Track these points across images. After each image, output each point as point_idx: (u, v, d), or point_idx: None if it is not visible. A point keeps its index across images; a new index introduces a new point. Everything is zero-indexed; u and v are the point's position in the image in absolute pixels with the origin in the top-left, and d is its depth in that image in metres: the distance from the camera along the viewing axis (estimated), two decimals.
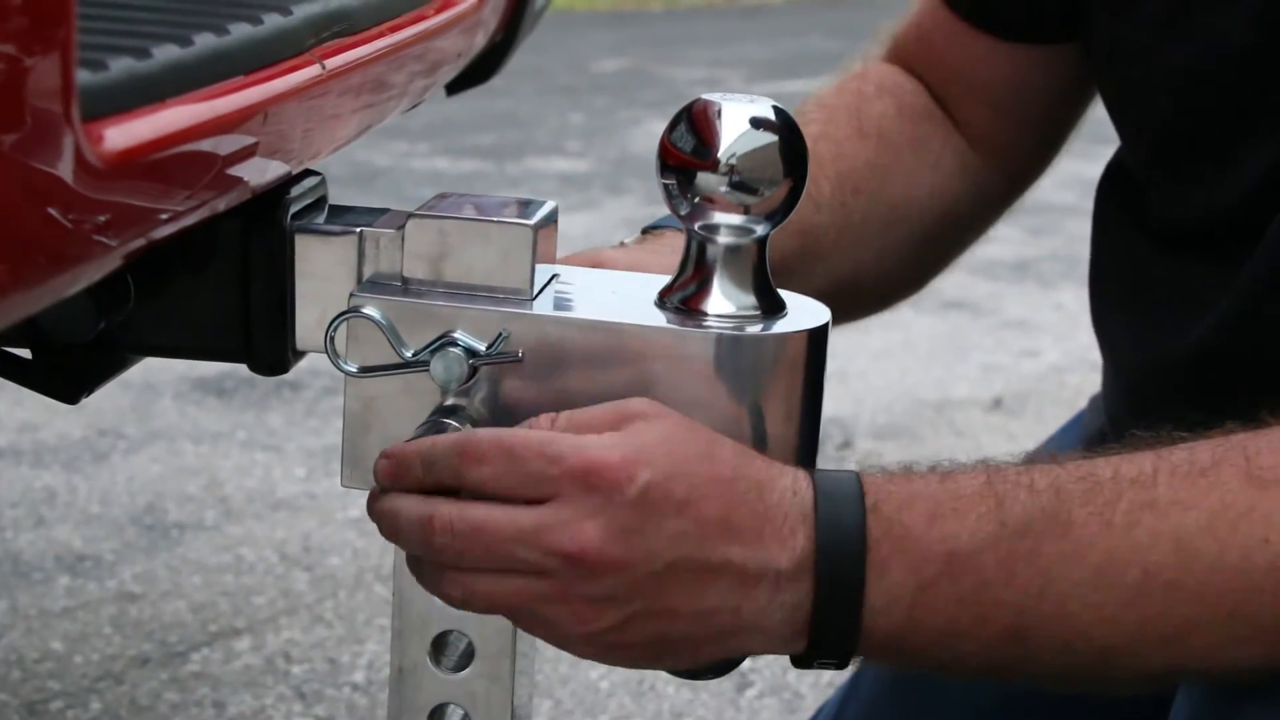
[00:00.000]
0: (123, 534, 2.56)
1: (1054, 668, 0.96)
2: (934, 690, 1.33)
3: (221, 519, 2.63)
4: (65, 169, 0.78)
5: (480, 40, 1.56)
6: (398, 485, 0.95)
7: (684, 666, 0.99)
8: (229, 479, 2.78)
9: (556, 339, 0.99)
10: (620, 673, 2.21)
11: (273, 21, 1.06)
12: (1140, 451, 0.95)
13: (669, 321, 0.99)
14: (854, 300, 1.30)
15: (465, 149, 5.35)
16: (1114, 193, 1.26)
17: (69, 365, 1.18)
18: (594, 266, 1.09)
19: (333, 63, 1.12)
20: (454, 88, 1.63)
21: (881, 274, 1.33)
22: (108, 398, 3.03)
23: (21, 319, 0.86)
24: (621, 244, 1.19)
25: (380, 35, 1.23)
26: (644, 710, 2.13)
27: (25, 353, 1.18)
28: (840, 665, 0.96)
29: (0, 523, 2.59)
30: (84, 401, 1.21)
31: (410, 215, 1.03)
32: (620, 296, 1.03)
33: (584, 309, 1.01)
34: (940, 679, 1.31)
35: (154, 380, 3.17)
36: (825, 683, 2.16)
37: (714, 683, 2.15)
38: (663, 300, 1.01)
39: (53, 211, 0.80)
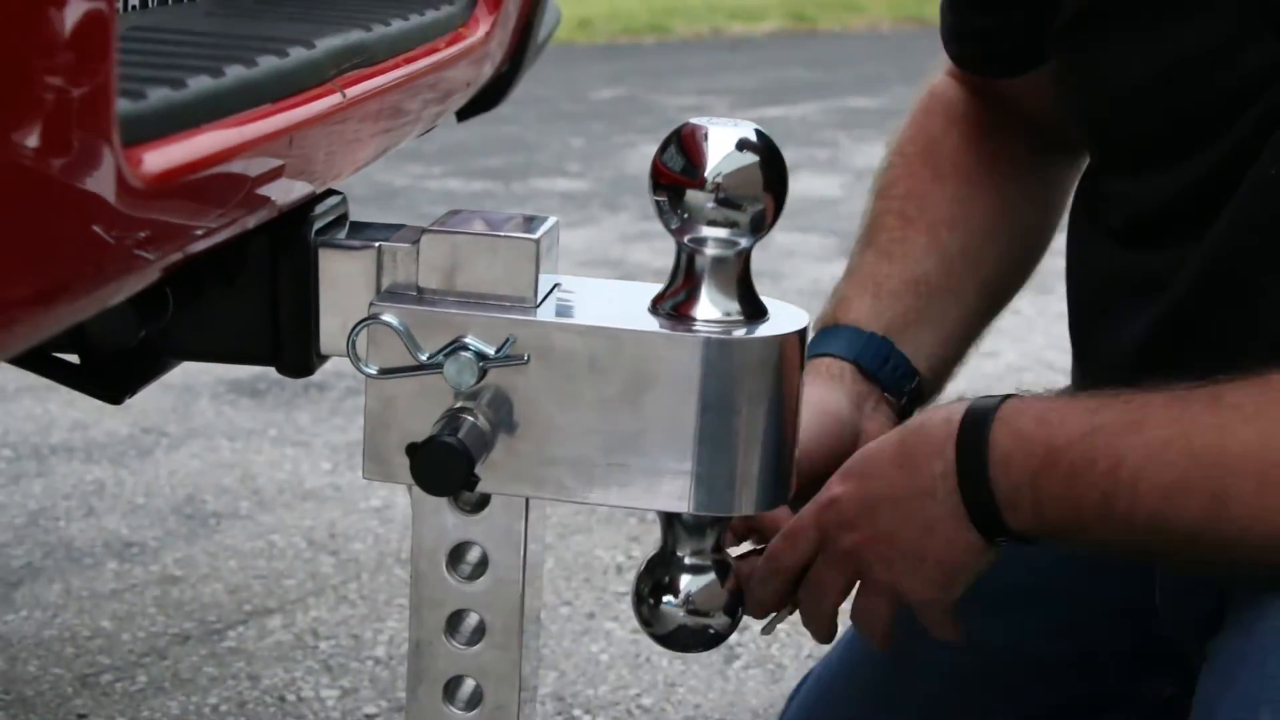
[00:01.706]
0: (165, 523, 2.56)
1: (1147, 538, 1.03)
2: (911, 661, 1.32)
3: (255, 509, 2.63)
4: (108, 190, 0.78)
5: (488, 71, 1.55)
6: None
7: (915, 577, 1.10)
8: (261, 472, 2.78)
9: (559, 343, 0.99)
10: (619, 646, 2.20)
11: (297, 54, 1.06)
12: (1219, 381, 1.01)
13: (661, 326, 0.99)
14: (1002, 302, 1.38)
15: (475, 170, 5.34)
16: (1084, 202, 1.25)
17: (114, 369, 1.17)
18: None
19: (353, 91, 1.12)
20: (464, 114, 1.63)
21: (1000, 275, 1.36)
22: (150, 398, 3.02)
23: (70, 327, 0.85)
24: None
25: (396, 66, 1.23)
26: (640, 680, 2.13)
27: (74, 358, 1.17)
28: (1023, 541, 1.07)
29: (54, 513, 2.58)
30: (128, 402, 1.20)
31: (425, 230, 1.03)
32: (616, 304, 1.02)
33: (583, 315, 1.00)
34: (915, 652, 1.30)
35: (192, 382, 3.17)
36: (805, 655, 2.15)
37: (704, 655, 2.15)
38: (655, 307, 1.00)
39: (97, 228, 0.80)
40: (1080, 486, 1.02)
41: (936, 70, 1.37)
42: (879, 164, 1.36)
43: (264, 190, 0.99)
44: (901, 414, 1.24)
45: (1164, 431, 1.00)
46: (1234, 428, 0.98)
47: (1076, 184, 1.28)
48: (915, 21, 9.24)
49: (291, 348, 1.09)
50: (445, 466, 0.95)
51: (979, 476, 1.05)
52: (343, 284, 1.06)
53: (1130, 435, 1.01)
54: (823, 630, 1.17)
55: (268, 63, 1.01)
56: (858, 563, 1.12)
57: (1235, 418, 0.98)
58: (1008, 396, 1.07)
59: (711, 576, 1.08)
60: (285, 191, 1.03)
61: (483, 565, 1.05)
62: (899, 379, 1.25)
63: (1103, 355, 1.20)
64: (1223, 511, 0.98)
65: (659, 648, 1.11)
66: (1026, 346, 3.44)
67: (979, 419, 1.06)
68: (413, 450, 0.96)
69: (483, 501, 1.04)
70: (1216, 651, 1.02)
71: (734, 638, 1.10)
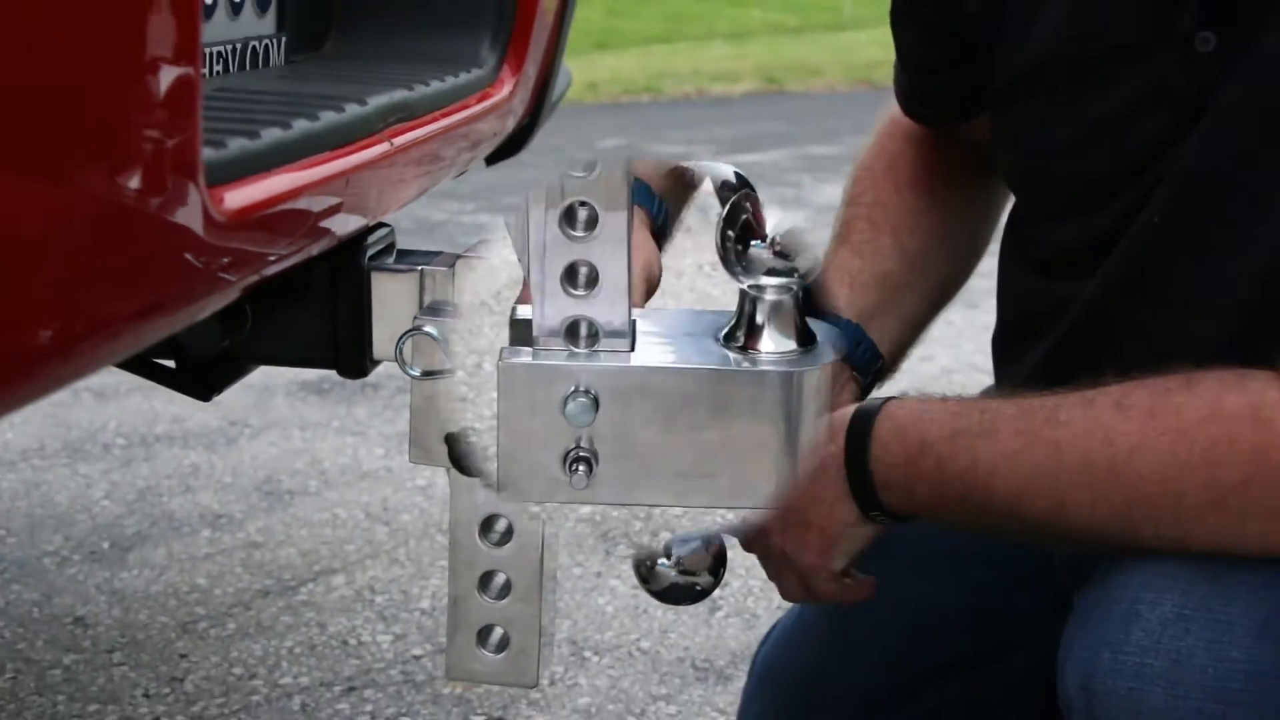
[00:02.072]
0: (249, 498, 2.56)
1: (1004, 524, 1.03)
2: (855, 617, 1.31)
3: (321, 487, 2.63)
4: (195, 224, 0.78)
5: (511, 124, 1.55)
6: None
7: (815, 545, 1.08)
8: (327, 457, 2.77)
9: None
10: (622, 600, 2.20)
11: (353, 110, 1.06)
12: (1058, 393, 1.00)
13: (728, 362, 0.91)
14: (950, 296, 1.35)
15: (502, 207, 5.33)
16: (1011, 235, 1.24)
17: (203, 372, 1.17)
18: None
19: (399, 141, 1.12)
20: (492, 160, 1.63)
21: (950, 272, 1.34)
22: (235, 396, 3.02)
23: (166, 337, 0.85)
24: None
25: (435, 119, 1.23)
26: (639, 628, 2.12)
27: (171, 363, 1.17)
28: (897, 519, 1.06)
29: (159, 490, 2.58)
30: (217, 398, 1.20)
31: (459, 257, 1.02)
32: (657, 337, 0.94)
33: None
34: (858, 611, 1.29)
35: (270, 382, 3.16)
36: (775, 606, 2.15)
37: (692, 607, 2.15)
38: (723, 342, 0.93)
39: (187, 256, 0.80)
40: (944, 477, 1.01)
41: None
42: (848, 177, 1.35)
43: (325, 223, 0.99)
44: (865, 390, 1.23)
45: (1012, 442, 0.99)
46: (1067, 444, 0.96)
47: (1007, 216, 1.27)
48: (867, 84, 9.22)
49: (349, 354, 1.09)
50: None
51: (861, 457, 1.04)
52: (391, 301, 1.06)
53: (985, 440, 1.00)
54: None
55: (328, 117, 1.01)
56: (769, 546, 1.09)
57: (1066, 435, 0.97)
58: (892, 397, 1.06)
59: (699, 543, 1.07)
60: (343, 224, 1.03)
61: (509, 533, 1.04)
62: (867, 360, 1.23)
63: (1016, 370, 1.19)
64: (1064, 514, 0.97)
65: (655, 602, 1.11)
66: (958, 353, 3.43)
67: (869, 410, 1.05)
68: (450, 439, 0.96)
69: None
70: (1079, 602, 1.01)
71: (716, 592, 1.10)
